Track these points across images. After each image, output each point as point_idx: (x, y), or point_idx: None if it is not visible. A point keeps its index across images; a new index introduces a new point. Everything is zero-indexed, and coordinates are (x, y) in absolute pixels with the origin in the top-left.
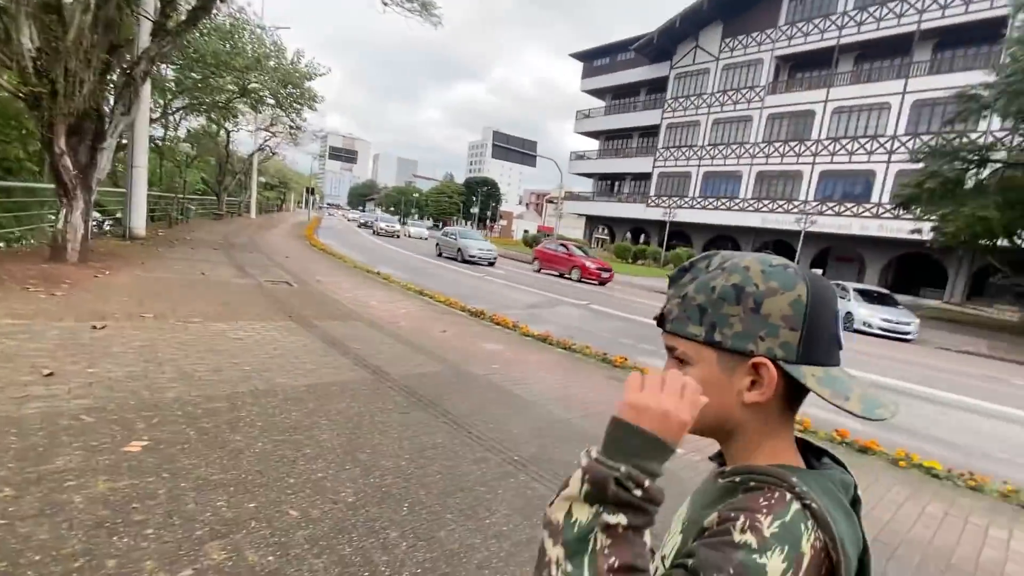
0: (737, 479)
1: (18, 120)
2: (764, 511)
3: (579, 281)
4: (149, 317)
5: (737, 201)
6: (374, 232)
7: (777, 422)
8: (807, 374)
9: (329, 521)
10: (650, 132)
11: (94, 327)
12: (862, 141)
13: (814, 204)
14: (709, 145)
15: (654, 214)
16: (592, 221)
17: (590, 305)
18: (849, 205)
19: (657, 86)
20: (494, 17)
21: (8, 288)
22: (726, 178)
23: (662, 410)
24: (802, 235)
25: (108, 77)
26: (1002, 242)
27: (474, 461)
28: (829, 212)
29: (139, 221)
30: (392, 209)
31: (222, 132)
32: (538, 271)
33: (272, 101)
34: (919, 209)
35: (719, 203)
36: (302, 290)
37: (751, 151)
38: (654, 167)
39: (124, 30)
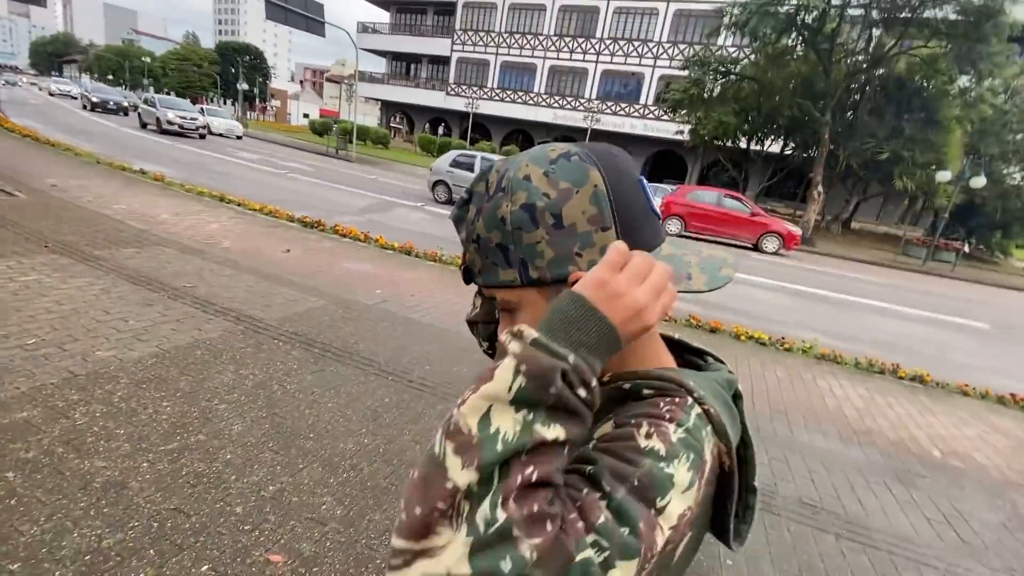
0: (626, 386)
1: None
2: (667, 417)
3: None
4: None
5: (532, 95)
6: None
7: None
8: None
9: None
10: (447, 9)
11: None
12: (636, 44)
13: (596, 102)
14: (506, 32)
15: (455, 104)
16: (389, 108)
17: (425, 207)
18: (624, 105)
19: None
20: None
21: None
22: (522, 70)
23: (638, 304)
24: (588, 133)
25: None
26: (730, 143)
27: (439, 416)
28: (608, 111)
29: None
30: (111, 78)
31: None
32: (681, 232)
33: None
34: (684, 112)
35: (516, 96)
36: (36, 201)
37: (544, 43)
38: (452, 51)
39: None
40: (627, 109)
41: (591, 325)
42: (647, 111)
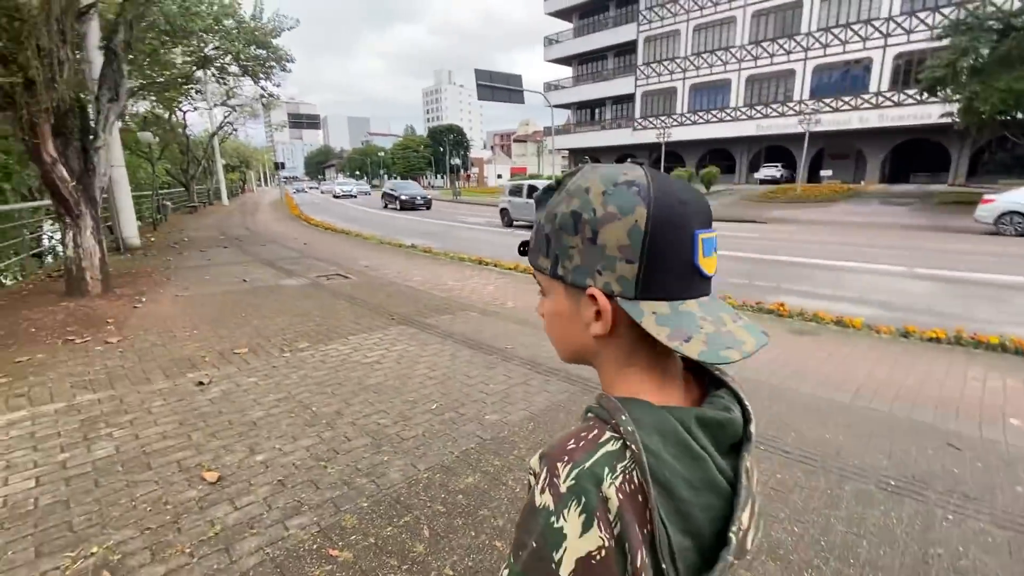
0: (586, 410)
1: None
2: (566, 458)
3: None
4: (244, 352)
5: (729, 111)
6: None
7: (636, 354)
8: (647, 311)
9: None
10: (627, 50)
11: (200, 384)
12: (855, 27)
13: (810, 102)
14: (693, 55)
15: (643, 137)
16: (576, 155)
17: None
18: (847, 99)
19: None
20: None
21: (45, 342)
22: (714, 88)
23: None
24: (807, 137)
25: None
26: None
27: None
28: (827, 109)
29: (131, 229)
30: (357, 173)
31: (176, 115)
32: None
33: (236, 69)
34: (948, 90)
35: (710, 116)
36: (363, 281)
37: (738, 55)
38: (636, 87)
39: None
40: (853, 102)
41: None
42: (881, 99)
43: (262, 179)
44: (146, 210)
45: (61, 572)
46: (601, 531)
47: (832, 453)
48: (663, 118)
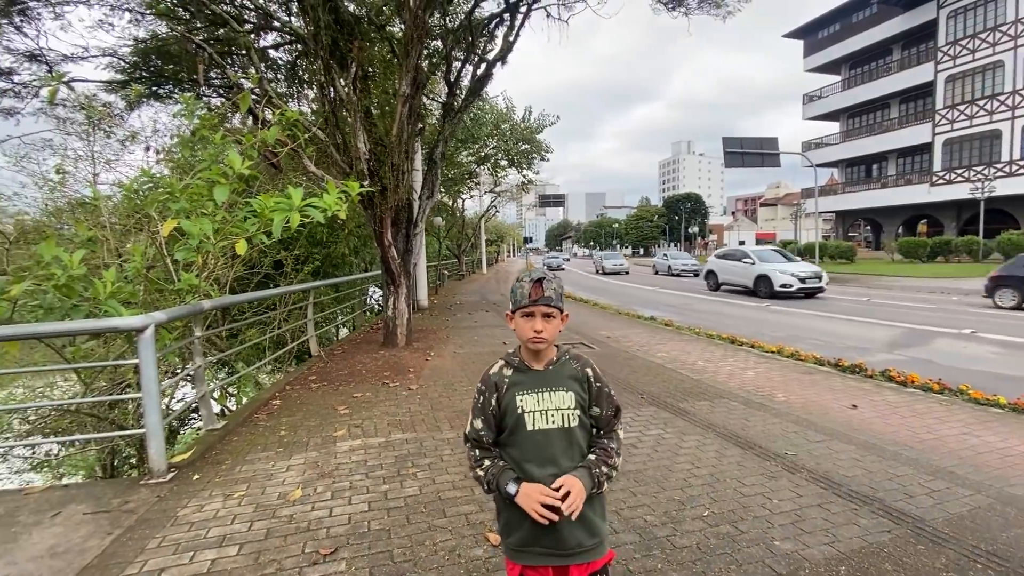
0: (566, 357)
1: (343, 222)
2: (589, 358)
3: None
4: None
5: None
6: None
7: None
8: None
9: None
10: (916, 95)
11: None
12: None
13: None
14: None
15: (945, 194)
16: (844, 217)
17: (976, 333)
18: None
19: (916, 37)
20: (664, 35)
21: (370, 383)
22: None
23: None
24: None
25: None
26: None
27: None
28: None
29: (423, 293)
30: (592, 243)
31: (457, 202)
32: None
33: (505, 162)
34: None
35: None
36: (607, 353)
37: None
38: (934, 135)
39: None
40: None
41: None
42: None
43: (511, 251)
44: (430, 278)
45: None
46: (480, 396)
47: None
48: (978, 169)
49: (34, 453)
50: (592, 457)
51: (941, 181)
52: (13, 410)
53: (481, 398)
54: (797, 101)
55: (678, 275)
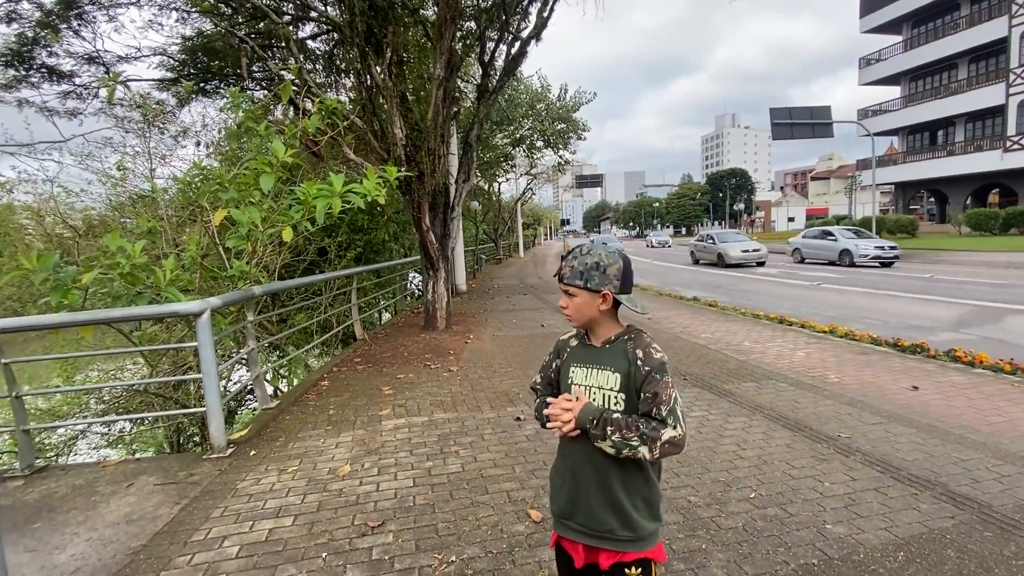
0: (625, 337)
1: (382, 208)
2: (651, 341)
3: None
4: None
5: None
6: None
7: (613, 314)
8: (623, 298)
9: None
10: (988, 53)
11: (517, 419)
12: None
13: None
14: None
15: (1020, 160)
16: (904, 189)
17: None
18: None
19: None
20: (706, 1)
21: (412, 365)
22: None
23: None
24: None
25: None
26: None
27: None
28: None
29: (461, 277)
30: (631, 224)
31: (493, 185)
32: None
33: (541, 143)
34: None
35: None
36: (650, 334)
37: None
38: (1008, 95)
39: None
40: None
41: None
42: None
43: (548, 233)
44: (468, 262)
45: (432, 570)
46: (550, 354)
47: None
48: None
49: (109, 430)
50: (619, 416)
51: (1016, 147)
52: (90, 390)
53: (548, 358)
54: (851, 67)
55: (736, 267)
